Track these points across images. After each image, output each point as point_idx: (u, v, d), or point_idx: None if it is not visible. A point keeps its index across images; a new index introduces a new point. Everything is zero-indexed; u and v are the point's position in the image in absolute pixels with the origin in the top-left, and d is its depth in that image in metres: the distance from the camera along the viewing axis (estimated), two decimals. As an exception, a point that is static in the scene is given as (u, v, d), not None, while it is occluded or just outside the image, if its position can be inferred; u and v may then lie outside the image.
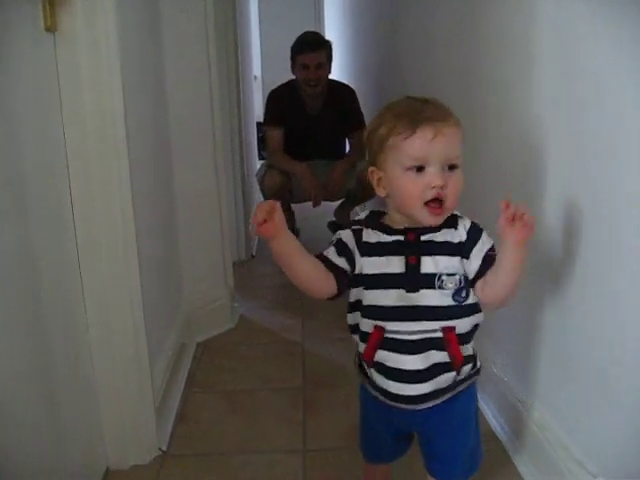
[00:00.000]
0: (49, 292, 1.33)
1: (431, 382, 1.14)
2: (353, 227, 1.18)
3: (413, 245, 1.13)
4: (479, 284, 1.12)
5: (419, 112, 1.09)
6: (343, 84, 3.79)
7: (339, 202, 3.88)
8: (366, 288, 1.16)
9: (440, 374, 1.15)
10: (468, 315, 1.15)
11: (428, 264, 1.12)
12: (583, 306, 1.32)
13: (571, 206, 1.34)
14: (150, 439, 1.70)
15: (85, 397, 1.55)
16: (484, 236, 1.13)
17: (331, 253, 1.16)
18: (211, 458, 1.70)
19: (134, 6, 1.79)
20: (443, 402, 1.17)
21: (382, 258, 1.14)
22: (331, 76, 3.66)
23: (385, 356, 1.15)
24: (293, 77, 3.61)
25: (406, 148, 1.08)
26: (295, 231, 3.87)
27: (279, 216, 1.08)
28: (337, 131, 3.65)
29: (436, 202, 1.08)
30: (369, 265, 1.15)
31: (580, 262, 1.31)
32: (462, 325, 1.14)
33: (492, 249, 1.12)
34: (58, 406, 1.36)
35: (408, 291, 1.12)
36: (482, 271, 1.12)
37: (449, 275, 1.12)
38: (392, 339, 1.13)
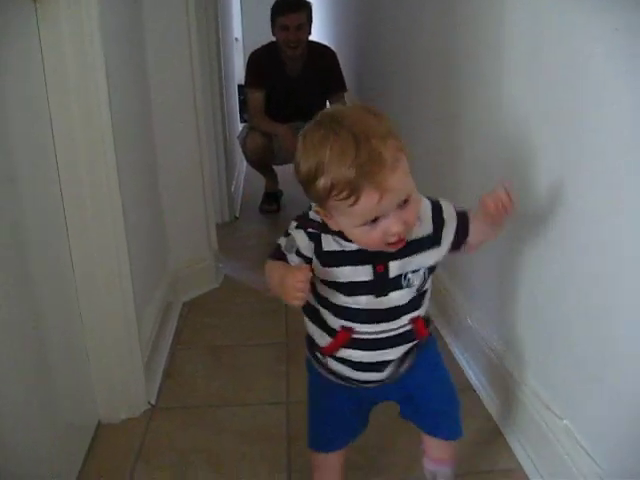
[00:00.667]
0: (38, 254, 1.37)
1: (399, 362, 1.18)
2: (308, 230, 1.10)
3: (378, 254, 1.07)
4: (470, 232, 1.14)
5: (355, 166, 0.94)
6: (324, 46, 3.81)
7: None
8: (335, 290, 1.11)
9: (407, 355, 1.18)
10: (426, 298, 1.17)
11: (395, 268, 1.09)
12: (553, 258, 1.39)
13: (549, 171, 1.40)
14: (139, 393, 1.76)
15: (75, 355, 1.61)
16: (445, 213, 1.12)
17: (291, 255, 1.10)
18: (198, 410, 1.77)
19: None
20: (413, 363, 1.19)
21: (347, 268, 1.08)
22: (311, 38, 3.68)
23: (352, 353, 1.15)
24: (274, 39, 3.63)
25: (353, 212, 0.99)
26: (278, 193, 3.92)
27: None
28: (318, 93, 3.68)
29: (397, 242, 1.03)
30: (333, 275, 1.09)
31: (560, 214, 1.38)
32: (424, 308, 1.17)
33: (460, 215, 1.13)
34: (49, 364, 1.40)
35: (377, 296, 1.10)
36: (458, 244, 1.14)
37: (414, 272, 1.11)
38: (360, 339, 1.13)
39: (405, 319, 1.14)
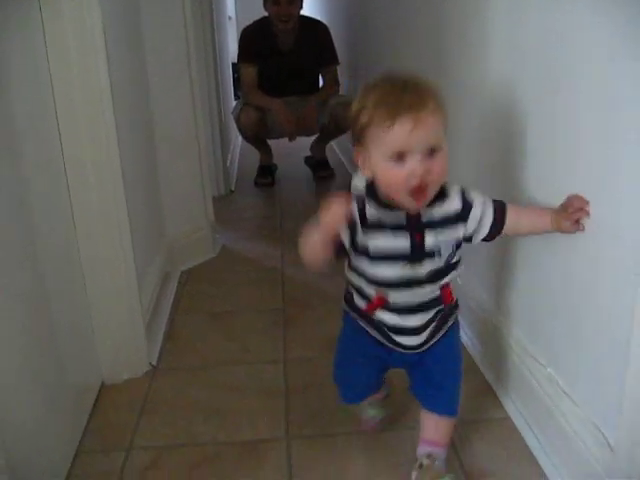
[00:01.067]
0: (43, 223, 1.42)
1: (429, 330, 1.27)
2: (357, 197, 1.19)
3: (416, 223, 1.17)
4: (505, 226, 1.24)
5: (398, 101, 1.07)
6: (316, 20, 3.85)
7: (314, 137, 3.97)
8: (371, 261, 1.20)
9: (435, 320, 1.27)
10: (456, 269, 1.25)
11: (431, 239, 1.18)
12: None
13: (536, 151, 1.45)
14: (141, 355, 1.82)
15: (79, 318, 1.66)
16: (477, 197, 1.22)
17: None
18: (198, 370, 1.83)
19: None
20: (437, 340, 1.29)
21: (388, 235, 1.18)
22: (303, 12, 3.72)
23: (387, 316, 1.25)
24: (266, 14, 3.67)
25: (386, 139, 1.09)
26: (273, 167, 3.97)
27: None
28: (310, 67, 3.73)
29: (419, 189, 1.11)
30: (374, 241, 1.18)
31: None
32: (451, 277, 1.25)
33: (495, 204, 1.24)
34: (55, 328, 1.45)
35: (413, 263, 1.19)
36: (501, 222, 1.24)
37: (444, 243, 1.19)
38: (394, 304, 1.23)
39: (435, 286, 1.23)
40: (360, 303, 1.28)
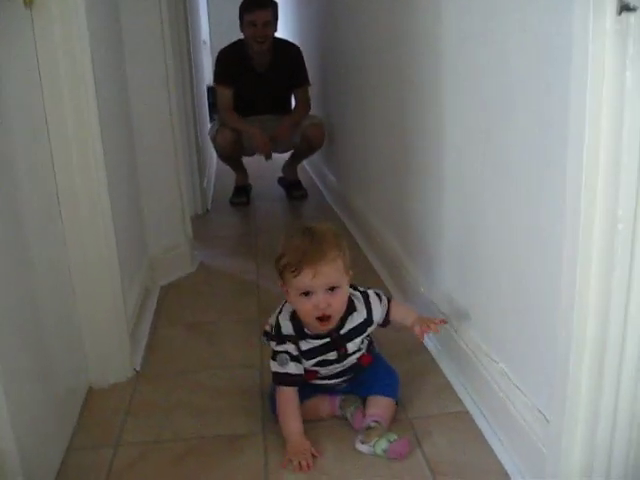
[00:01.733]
0: (35, 235, 1.53)
1: (354, 378, 1.69)
2: (289, 340, 1.58)
3: (338, 341, 1.60)
4: (391, 317, 1.68)
5: (304, 254, 1.48)
6: (289, 42, 4.03)
7: (287, 158, 4.13)
8: (306, 359, 1.61)
9: (357, 372, 1.69)
10: (370, 349, 1.70)
11: (351, 346, 1.62)
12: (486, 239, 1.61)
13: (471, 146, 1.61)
14: (126, 361, 1.94)
15: (69, 328, 1.78)
16: (373, 298, 1.66)
17: (291, 367, 1.58)
18: (180, 375, 1.96)
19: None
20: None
21: (319, 356, 1.61)
22: (277, 35, 3.90)
23: (319, 382, 1.67)
24: (241, 37, 3.83)
25: (295, 283, 1.50)
26: (248, 187, 4.12)
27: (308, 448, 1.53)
28: (284, 86, 3.90)
29: (323, 317, 1.52)
30: (312, 361, 1.61)
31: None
32: (365, 349, 1.68)
33: (380, 296, 1.68)
34: (46, 338, 1.56)
35: (340, 362, 1.64)
36: (388, 313, 1.68)
37: (362, 342, 1.65)
38: (324, 375, 1.66)
39: (353, 358, 1.65)
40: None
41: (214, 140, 3.93)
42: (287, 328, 1.59)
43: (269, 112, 3.93)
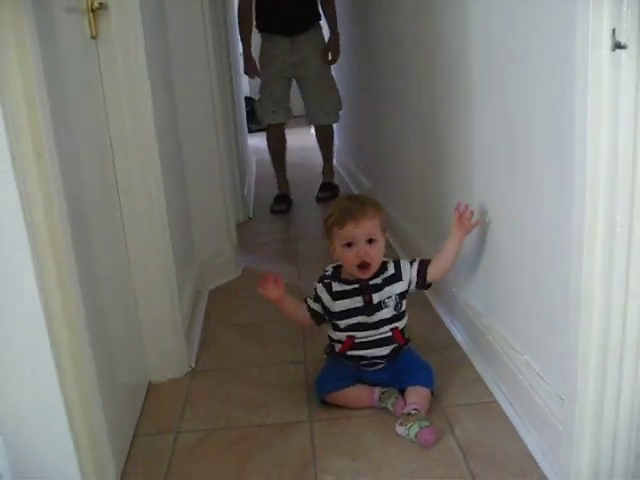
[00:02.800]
0: (101, 247, 1.70)
1: (387, 357, 1.86)
2: (325, 281, 1.86)
3: (366, 288, 1.82)
4: (428, 274, 1.86)
5: (348, 211, 1.77)
6: None
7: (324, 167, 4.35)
8: (339, 319, 1.84)
9: (392, 352, 1.85)
10: (403, 317, 1.87)
11: (376, 297, 1.82)
12: (509, 238, 1.76)
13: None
14: (182, 358, 2.12)
15: (131, 328, 1.97)
16: (403, 261, 1.87)
17: (310, 301, 1.89)
18: (231, 371, 2.13)
19: (151, 11, 2.17)
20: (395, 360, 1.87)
21: (347, 300, 1.83)
22: None
23: (355, 352, 1.85)
24: None
25: (340, 234, 1.78)
26: (288, 196, 4.30)
27: (282, 289, 1.86)
28: None
29: (362, 265, 1.77)
30: (340, 305, 1.84)
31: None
32: (401, 323, 1.86)
33: (418, 263, 1.87)
34: (111, 336, 1.70)
35: (368, 315, 1.82)
36: (423, 273, 1.85)
37: (388, 298, 1.82)
38: (360, 342, 1.84)
39: (387, 328, 1.83)
40: (337, 347, 1.88)
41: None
42: (328, 271, 1.89)
43: (290, 23, 4.06)
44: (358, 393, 1.85)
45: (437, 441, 1.66)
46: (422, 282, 1.87)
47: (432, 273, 1.86)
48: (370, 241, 1.77)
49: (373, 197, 1.88)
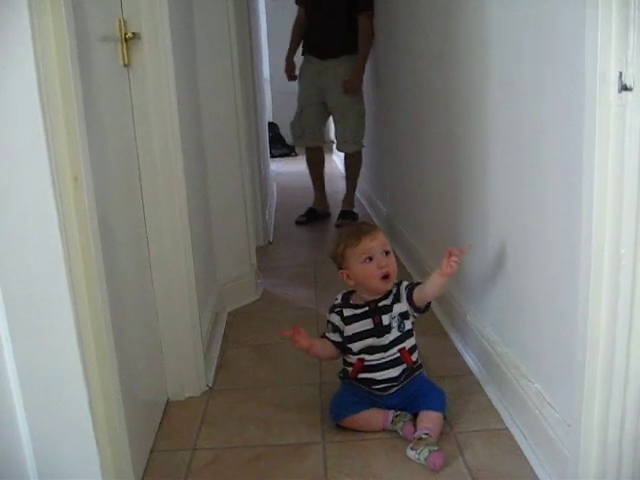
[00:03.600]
0: (126, 274, 1.77)
1: (398, 379, 1.88)
2: (336, 310, 1.93)
3: (375, 311, 1.88)
4: (413, 297, 1.87)
5: (358, 230, 1.87)
6: None
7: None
8: (352, 342, 1.89)
9: (402, 374, 1.88)
10: (409, 337, 1.90)
11: (386, 318, 1.87)
12: (525, 269, 1.80)
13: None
14: (200, 377, 2.17)
15: (151, 347, 2.02)
16: (402, 283, 1.90)
17: (330, 334, 1.94)
18: (247, 391, 2.18)
19: (181, 41, 2.25)
20: (407, 384, 1.90)
21: (357, 323, 1.89)
22: None
23: (365, 375, 1.89)
24: None
25: (357, 251, 1.84)
26: (319, 210, 4.57)
27: (305, 336, 1.91)
28: (343, 9, 4.16)
29: (386, 275, 1.83)
30: (352, 329, 1.89)
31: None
32: (408, 343, 1.89)
33: (408, 285, 1.89)
34: (133, 355, 1.75)
35: (378, 337, 1.86)
36: (410, 297, 1.87)
37: (392, 318, 1.86)
38: (369, 365, 1.88)
39: (395, 349, 1.87)
40: (349, 371, 1.92)
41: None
42: (338, 300, 1.95)
43: (325, 38, 4.22)
44: (372, 417, 1.88)
45: (446, 465, 1.69)
46: (414, 307, 1.89)
47: (416, 299, 1.88)
48: (387, 253, 1.85)
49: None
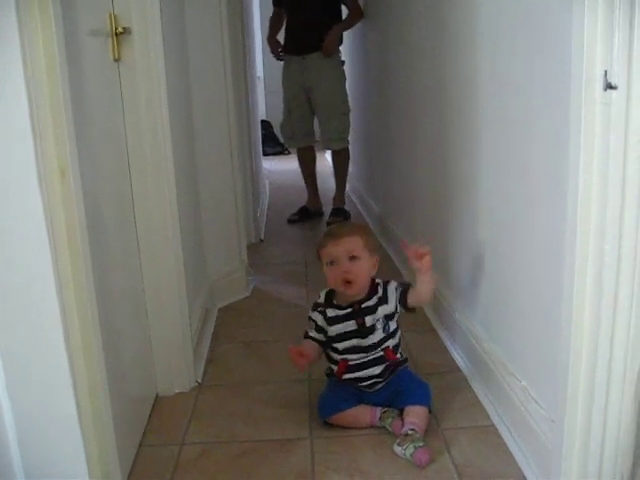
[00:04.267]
0: (116, 269, 1.77)
1: (382, 376, 1.90)
2: (319, 309, 1.95)
3: (358, 312, 1.89)
4: (408, 301, 1.88)
5: (330, 232, 1.95)
6: None
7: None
8: (335, 342, 1.91)
9: (386, 371, 1.90)
10: (393, 337, 1.91)
11: (369, 320, 1.88)
12: (508, 269, 1.81)
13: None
14: (189, 373, 2.18)
15: (141, 343, 2.03)
16: (391, 284, 1.91)
17: (314, 333, 1.95)
18: (236, 387, 2.19)
19: (172, 36, 2.26)
20: (391, 379, 1.92)
21: (340, 325, 1.90)
22: None
23: (351, 375, 1.91)
24: None
25: (323, 254, 1.89)
26: (311, 209, 4.60)
27: (307, 352, 1.89)
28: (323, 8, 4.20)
29: (345, 282, 1.84)
30: (335, 330, 1.91)
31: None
32: (391, 342, 1.91)
33: (400, 284, 1.91)
34: (121, 350, 1.75)
35: (361, 338, 1.88)
36: (402, 299, 1.88)
37: (377, 320, 1.87)
38: (352, 365, 1.90)
39: (378, 349, 1.89)
40: (334, 369, 1.94)
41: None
42: (321, 298, 1.97)
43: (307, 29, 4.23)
44: (360, 414, 1.90)
45: (432, 461, 1.70)
46: (407, 309, 1.91)
47: (411, 302, 1.90)
48: (352, 258, 1.85)
49: (363, 224, 2.06)
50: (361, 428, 1.88)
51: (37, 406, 1.28)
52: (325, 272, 1.89)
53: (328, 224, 4.31)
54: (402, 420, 1.82)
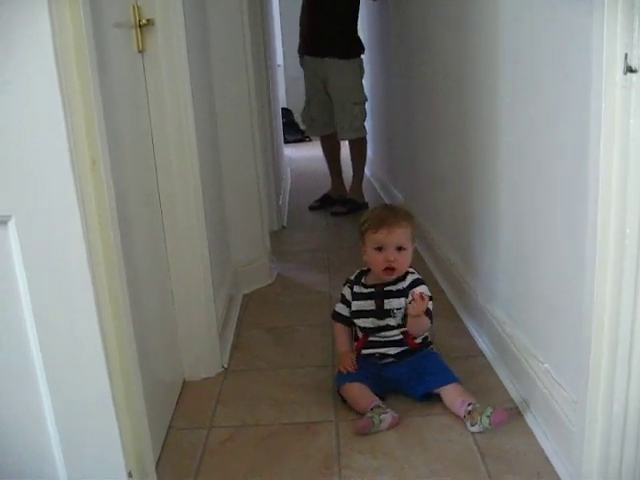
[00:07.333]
0: (143, 260, 1.81)
1: (398, 357, 1.99)
2: (348, 284, 2.06)
3: (379, 294, 1.98)
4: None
5: (383, 219, 1.94)
6: None
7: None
8: (355, 317, 2.02)
9: (403, 354, 1.98)
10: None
11: (386, 303, 1.96)
12: (534, 252, 1.83)
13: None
14: (215, 358, 2.22)
15: (168, 329, 2.06)
16: (422, 286, 1.95)
17: (340, 307, 2.08)
18: (262, 372, 2.22)
19: (194, 27, 2.28)
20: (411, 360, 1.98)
21: (362, 302, 2.01)
22: None
23: (368, 351, 2.01)
24: None
25: (373, 239, 1.93)
26: (336, 197, 4.55)
27: (352, 357, 2.01)
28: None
29: (388, 269, 1.92)
30: (357, 305, 2.02)
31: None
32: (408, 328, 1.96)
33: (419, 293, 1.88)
34: (150, 336, 1.79)
35: (378, 319, 1.97)
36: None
37: (397, 309, 1.95)
38: (371, 341, 2.00)
39: (397, 332, 1.97)
40: (354, 344, 2.06)
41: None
42: (353, 275, 2.08)
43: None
44: (363, 395, 1.90)
45: (510, 418, 1.78)
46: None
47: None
48: (399, 249, 1.92)
49: (408, 212, 2.04)
50: (359, 411, 1.89)
51: (74, 389, 1.31)
52: (368, 254, 1.96)
53: (332, 214, 4.32)
54: (396, 419, 1.84)
